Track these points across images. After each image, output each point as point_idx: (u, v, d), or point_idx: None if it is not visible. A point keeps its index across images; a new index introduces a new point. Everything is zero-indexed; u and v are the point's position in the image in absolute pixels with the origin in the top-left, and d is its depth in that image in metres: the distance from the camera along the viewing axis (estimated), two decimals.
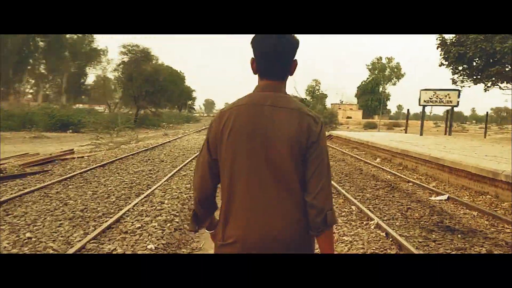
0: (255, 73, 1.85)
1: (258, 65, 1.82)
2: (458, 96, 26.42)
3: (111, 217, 6.46)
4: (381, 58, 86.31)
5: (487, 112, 35.03)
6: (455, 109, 28.33)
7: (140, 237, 5.60)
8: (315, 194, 1.68)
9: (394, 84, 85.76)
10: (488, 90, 25.61)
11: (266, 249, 1.67)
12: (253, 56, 1.83)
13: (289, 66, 1.83)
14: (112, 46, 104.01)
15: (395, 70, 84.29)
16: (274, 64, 1.79)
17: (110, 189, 8.70)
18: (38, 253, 4.97)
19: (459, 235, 6.31)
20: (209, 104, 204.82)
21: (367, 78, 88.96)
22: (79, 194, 8.13)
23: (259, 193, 1.70)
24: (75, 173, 10.35)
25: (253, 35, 1.83)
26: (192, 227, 1.99)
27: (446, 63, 25.22)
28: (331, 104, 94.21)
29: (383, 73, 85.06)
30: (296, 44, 1.82)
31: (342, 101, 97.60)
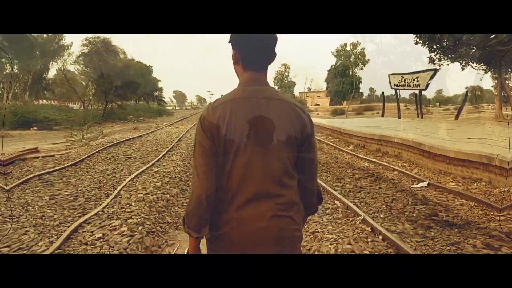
0: (236, 63, 1.89)
1: (244, 57, 1.85)
2: (433, 76, 25.61)
3: (68, 226, 5.80)
4: (345, 45, 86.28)
5: (466, 92, 34.32)
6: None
7: (100, 250, 4.97)
8: (315, 181, 1.92)
9: (361, 69, 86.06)
10: (464, 68, 25.58)
11: (261, 237, 1.71)
12: (235, 50, 1.86)
13: (272, 57, 1.89)
14: (76, 40, 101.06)
15: (359, 57, 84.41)
16: (260, 55, 1.85)
17: (75, 192, 8.00)
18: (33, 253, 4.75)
19: (456, 229, 5.83)
20: (179, 96, 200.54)
21: (336, 63, 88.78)
22: (36, 200, 7.40)
23: (258, 183, 1.72)
24: (32, 175, 9.51)
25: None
26: (196, 233, 1.81)
27: (421, 41, 25.21)
28: (299, 93, 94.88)
29: (348, 60, 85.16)
30: (276, 35, 1.89)
31: (309, 89, 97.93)
